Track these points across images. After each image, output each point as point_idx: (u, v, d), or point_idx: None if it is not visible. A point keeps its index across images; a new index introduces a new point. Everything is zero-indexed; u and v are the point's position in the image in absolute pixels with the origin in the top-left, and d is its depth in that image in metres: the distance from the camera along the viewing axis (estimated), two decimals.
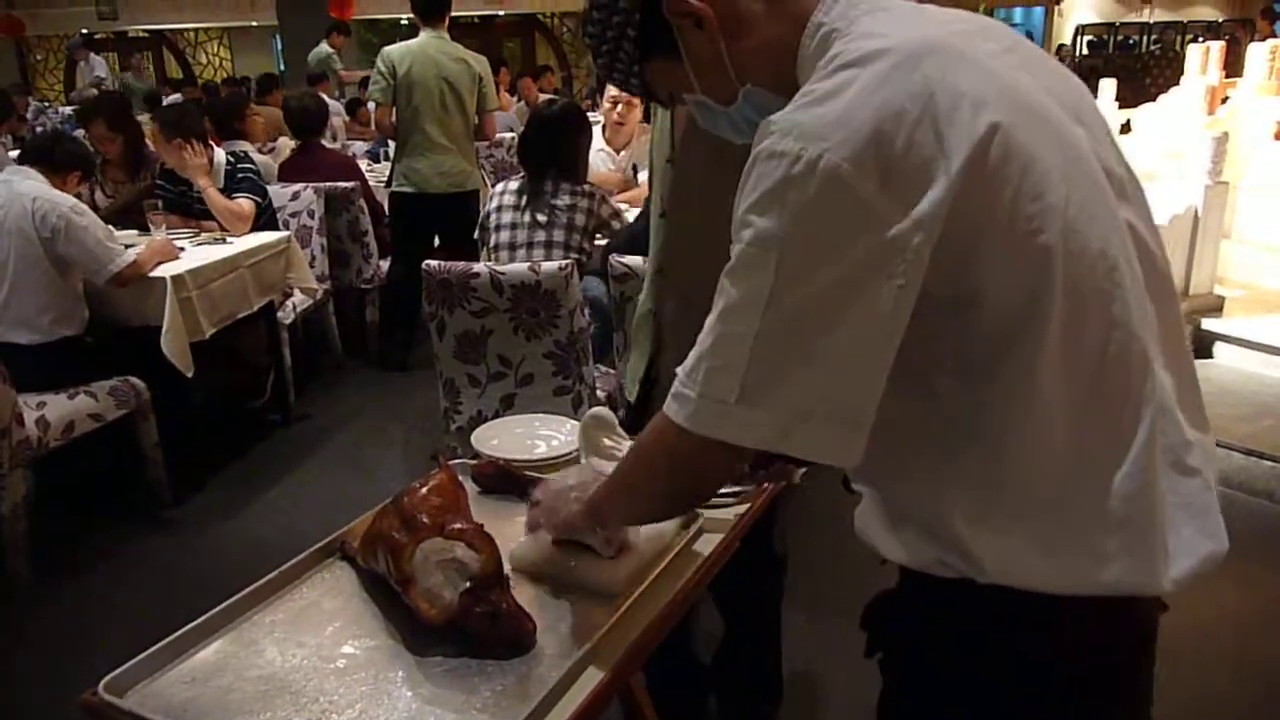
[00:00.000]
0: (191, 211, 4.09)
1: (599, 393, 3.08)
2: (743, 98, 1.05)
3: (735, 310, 0.90)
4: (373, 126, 7.18)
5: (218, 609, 1.29)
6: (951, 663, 1.00)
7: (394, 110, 4.63)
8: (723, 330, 0.91)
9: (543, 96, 8.45)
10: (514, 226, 3.19)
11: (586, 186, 3.27)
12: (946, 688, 1.01)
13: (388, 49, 4.62)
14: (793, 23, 1.00)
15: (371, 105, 5.09)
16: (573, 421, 1.83)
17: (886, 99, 0.86)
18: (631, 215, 3.62)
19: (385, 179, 5.66)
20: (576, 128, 3.39)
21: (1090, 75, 11.45)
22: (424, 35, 4.63)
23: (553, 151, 3.26)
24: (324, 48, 9.30)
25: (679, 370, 0.96)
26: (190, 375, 3.40)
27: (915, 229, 0.84)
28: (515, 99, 8.92)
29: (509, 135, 7.07)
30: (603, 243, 3.29)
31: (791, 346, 0.88)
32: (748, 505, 1.53)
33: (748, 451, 0.97)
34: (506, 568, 1.27)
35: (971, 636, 0.98)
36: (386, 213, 5.22)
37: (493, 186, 3.43)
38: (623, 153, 4.50)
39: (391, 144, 5.11)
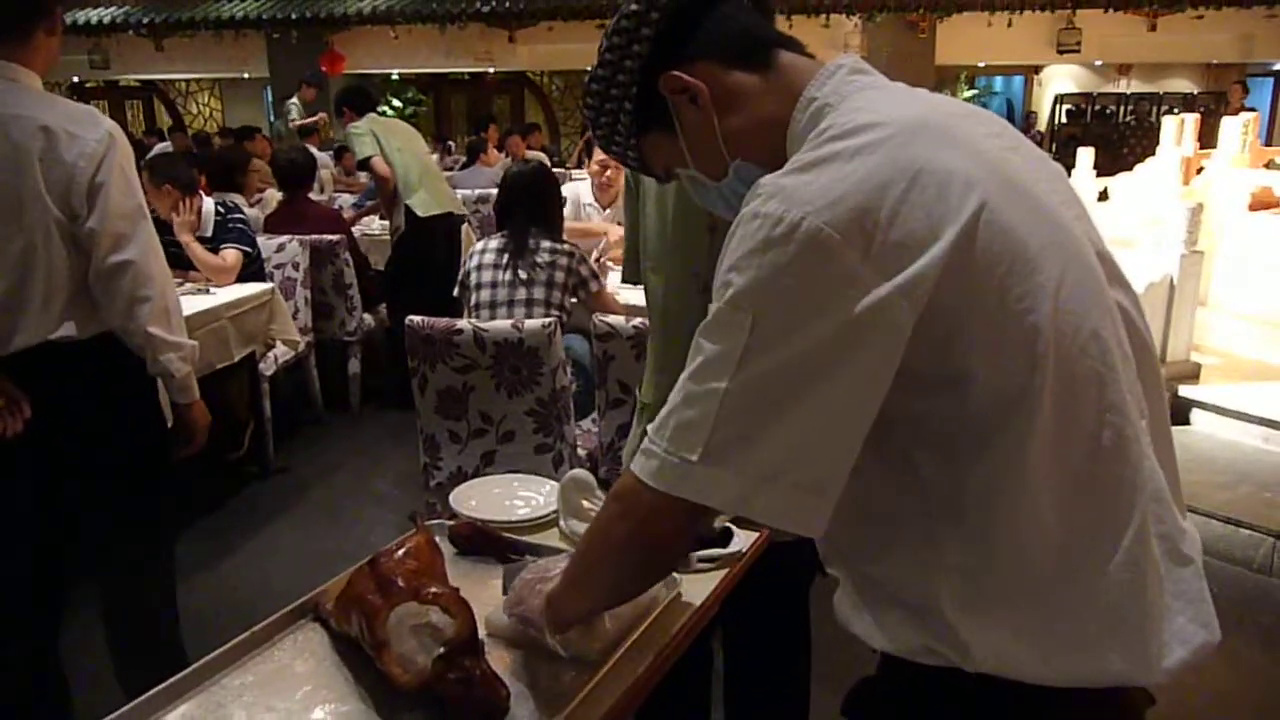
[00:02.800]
0: (177, 262, 4.10)
1: (580, 451, 3.08)
2: (733, 172, 1.05)
3: (707, 368, 0.89)
4: (363, 178, 7.25)
5: (186, 671, 1.26)
6: None
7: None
8: (693, 388, 0.90)
9: (530, 153, 8.56)
10: (494, 285, 3.20)
11: (566, 245, 3.30)
12: None
13: (354, 123, 5.27)
14: (785, 98, 1.01)
15: (359, 163, 5.57)
16: (552, 482, 1.82)
17: (874, 171, 0.86)
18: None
19: (369, 231, 5.80)
20: (551, 185, 3.48)
21: (1068, 144, 11.69)
22: (369, 116, 5.30)
23: (532, 209, 3.30)
24: (292, 100, 9.59)
25: (649, 427, 0.94)
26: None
27: (898, 299, 0.83)
28: (504, 155, 9.00)
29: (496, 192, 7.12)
30: (577, 302, 3.33)
31: (760, 409, 0.86)
32: (727, 570, 1.52)
33: (709, 518, 0.96)
34: (482, 632, 1.26)
35: None
36: (371, 266, 5.31)
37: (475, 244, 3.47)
38: (609, 209, 4.59)
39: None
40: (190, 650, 2.23)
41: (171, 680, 1.24)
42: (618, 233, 4.40)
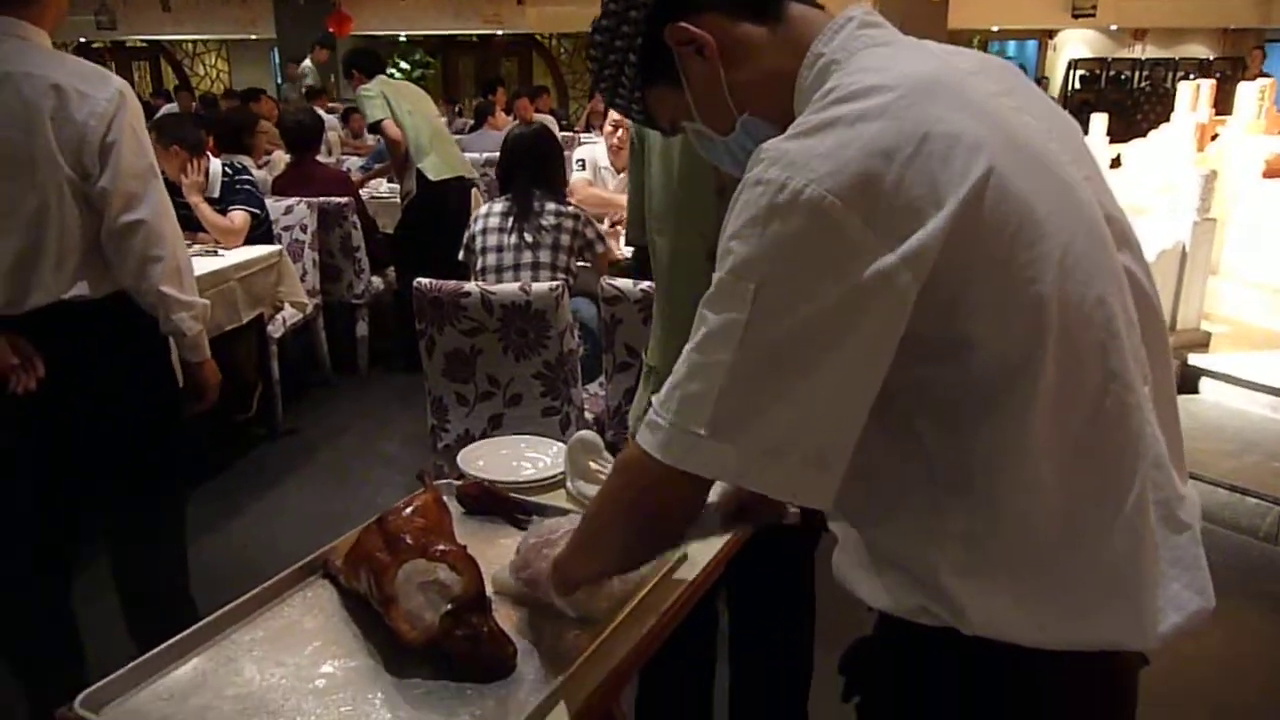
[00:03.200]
0: (186, 224, 4.08)
1: (587, 414, 3.08)
2: (740, 127, 1.04)
3: (711, 340, 0.88)
4: (370, 141, 7.23)
5: (197, 625, 1.28)
6: (931, 714, 0.98)
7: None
8: (697, 360, 0.89)
9: (539, 116, 8.51)
10: (500, 249, 3.20)
11: (571, 207, 3.29)
12: None
13: (364, 86, 5.21)
14: (792, 52, 0.99)
15: (370, 127, 5.52)
16: (559, 444, 1.83)
17: (878, 136, 0.84)
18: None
19: (377, 194, 5.80)
20: (553, 146, 3.47)
21: (1082, 110, 11.57)
22: (379, 79, 5.26)
23: (535, 171, 3.29)
24: (306, 64, 9.50)
25: (654, 399, 0.94)
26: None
27: (902, 268, 0.82)
28: (511, 118, 8.95)
29: None
30: (585, 265, 3.31)
31: (765, 382, 0.86)
32: (730, 534, 1.53)
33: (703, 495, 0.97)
34: (489, 590, 1.27)
35: (952, 688, 0.96)
36: (379, 229, 5.30)
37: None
38: (623, 174, 4.55)
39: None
40: (200, 609, 2.26)
41: (183, 634, 1.26)
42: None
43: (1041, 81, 15.79)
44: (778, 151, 0.86)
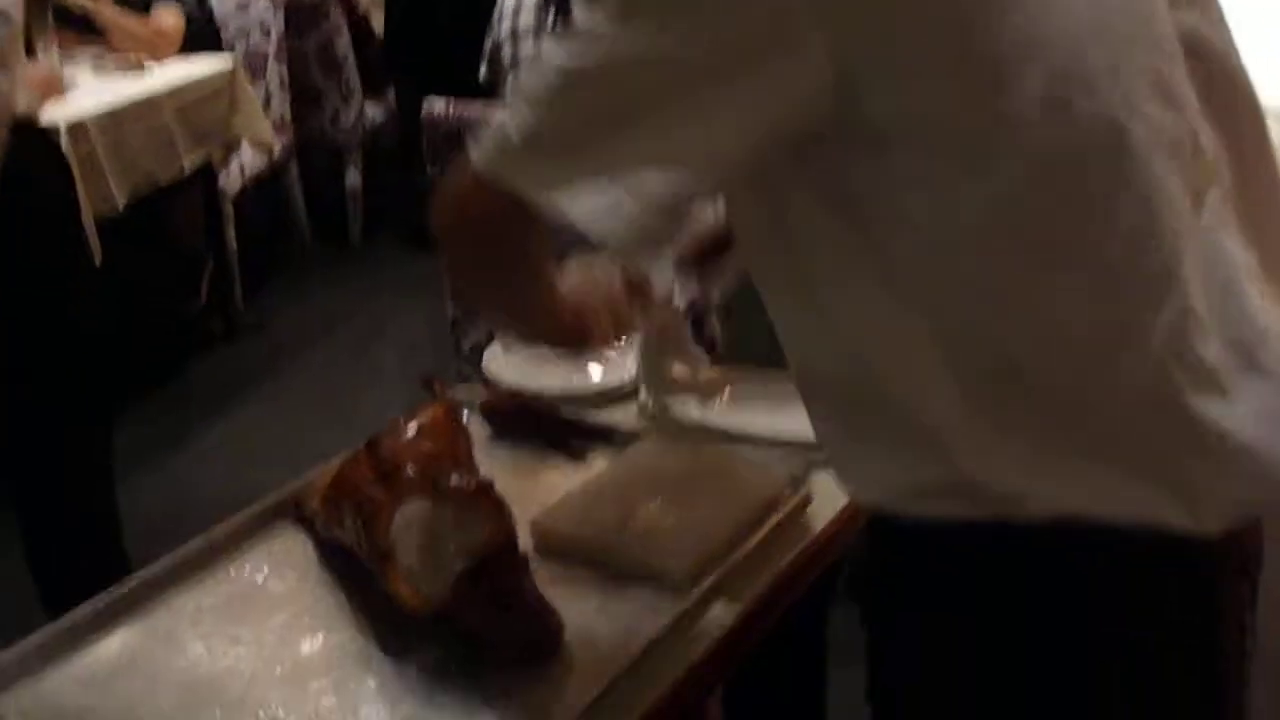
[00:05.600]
0: (95, 27, 4.12)
1: (678, 301, 3.08)
2: None
3: (564, 48, 1.00)
4: None
5: (124, 586, 1.35)
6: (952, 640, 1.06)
7: None
8: (540, 67, 1.03)
9: None
10: None
11: None
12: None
13: None
14: None
15: None
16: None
17: None
18: None
19: None
20: None
21: None
22: None
23: None
24: None
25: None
26: (97, 264, 3.48)
27: (808, 11, 0.90)
28: None
29: None
30: None
31: (611, 99, 0.98)
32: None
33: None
34: (524, 542, 1.30)
35: (969, 591, 1.03)
36: (374, 31, 5.27)
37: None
38: None
39: None
40: (134, 565, 2.36)
41: (105, 597, 1.32)
42: None
43: None
44: None
